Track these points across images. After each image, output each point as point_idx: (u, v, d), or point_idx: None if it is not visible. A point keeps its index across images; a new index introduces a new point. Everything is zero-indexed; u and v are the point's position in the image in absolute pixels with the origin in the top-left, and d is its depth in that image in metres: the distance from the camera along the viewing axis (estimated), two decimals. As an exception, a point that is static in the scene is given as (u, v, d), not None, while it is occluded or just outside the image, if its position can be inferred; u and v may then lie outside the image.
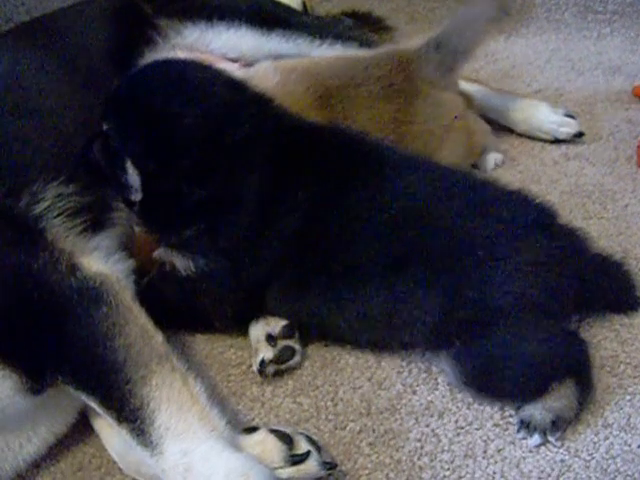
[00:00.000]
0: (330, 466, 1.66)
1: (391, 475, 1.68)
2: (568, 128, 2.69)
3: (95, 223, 1.93)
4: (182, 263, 1.90)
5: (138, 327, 1.67)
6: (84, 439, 1.81)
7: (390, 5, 3.67)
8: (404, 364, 1.91)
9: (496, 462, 1.69)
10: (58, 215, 1.85)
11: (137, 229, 2.07)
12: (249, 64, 2.55)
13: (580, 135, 2.69)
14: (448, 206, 1.85)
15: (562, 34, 3.43)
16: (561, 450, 1.70)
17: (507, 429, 1.75)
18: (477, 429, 1.76)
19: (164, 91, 1.86)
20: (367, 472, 1.69)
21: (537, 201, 1.91)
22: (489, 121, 2.67)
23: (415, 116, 2.31)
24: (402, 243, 1.82)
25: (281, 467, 1.63)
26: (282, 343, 1.91)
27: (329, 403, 1.84)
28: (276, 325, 1.93)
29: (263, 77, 2.24)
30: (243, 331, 1.98)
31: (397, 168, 1.92)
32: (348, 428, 1.78)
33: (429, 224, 1.83)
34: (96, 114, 1.96)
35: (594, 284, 1.88)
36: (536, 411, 1.71)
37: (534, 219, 1.85)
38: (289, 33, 2.63)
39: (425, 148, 2.27)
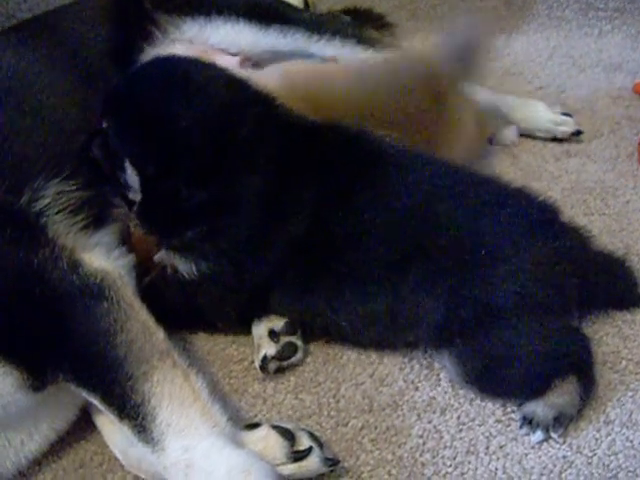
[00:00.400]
0: (332, 462, 1.66)
1: (393, 471, 1.68)
2: (566, 127, 2.69)
3: (96, 219, 1.92)
4: (184, 266, 1.89)
5: (139, 323, 1.67)
6: (86, 436, 1.81)
7: (391, 2, 3.66)
8: (406, 360, 1.91)
9: (498, 458, 1.69)
10: (59, 211, 1.85)
11: (133, 228, 2.06)
12: (249, 58, 2.55)
13: (578, 133, 2.69)
14: (451, 204, 1.84)
15: (563, 31, 3.42)
16: (563, 446, 1.70)
17: (509, 425, 1.75)
18: (479, 425, 1.76)
19: (163, 91, 1.84)
20: (369, 468, 1.69)
21: (540, 199, 1.91)
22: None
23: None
24: (405, 242, 1.81)
25: (283, 463, 1.63)
26: (285, 339, 1.90)
27: (331, 399, 1.84)
28: (279, 321, 1.93)
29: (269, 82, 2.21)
30: (245, 328, 1.98)
31: (400, 167, 1.91)
32: (350, 424, 1.78)
33: (432, 223, 1.82)
34: (97, 110, 1.95)
35: (596, 281, 1.88)
36: (538, 408, 1.71)
37: (537, 217, 1.84)
38: (287, 28, 2.62)
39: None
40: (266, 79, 2.10)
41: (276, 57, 2.57)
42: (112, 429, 1.73)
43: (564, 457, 1.68)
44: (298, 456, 1.64)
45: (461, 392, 1.83)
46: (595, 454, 1.68)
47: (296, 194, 1.87)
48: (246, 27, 2.60)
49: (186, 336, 2.00)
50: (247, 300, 1.92)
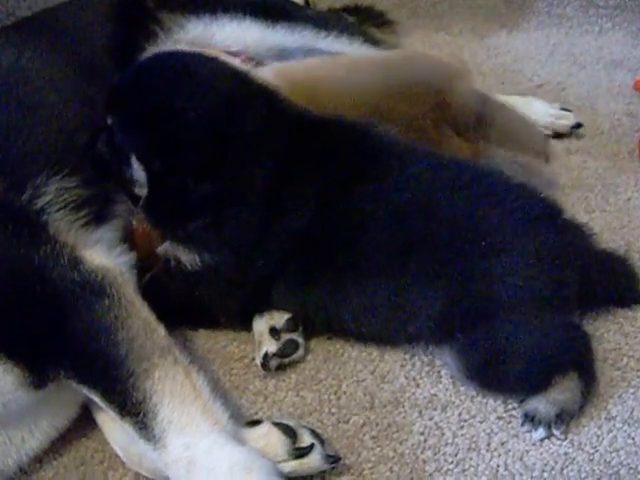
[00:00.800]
0: (333, 459, 1.66)
1: (394, 468, 1.68)
2: (565, 120, 2.70)
3: (97, 216, 1.92)
4: (188, 257, 1.89)
5: (140, 320, 1.67)
6: (87, 433, 1.81)
7: (392, 0, 3.66)
8: (407, 357, 1.91)
9: (500, 455, 1.69)
10: (60, 208, 1.85)
11: (136, 224, 2.06)
12: (251, 58, 2.54)
13: (579, 126, 2.69)
14: (453, 197, 1.84)
15: (564, 28, 3.42)
16: (564, 443, 1.70)
17: (510, 422, 1.75)
18: (480, 422, 1.76)
19: (168, 85, 1.85)
20: (370, 465, 1.69)
21: (543, 195, 1.91)
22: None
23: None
24: (407, 234, 1.82)
25: (284, 460, 1.63)
26: (286, 336, 1.90)
27: (332, 396, 1.84)
28: (280, 318, 1.93)
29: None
30: (246, 325, 1.98)
31: (402, 159, 1.92)
32: (351, 421, 1.78)
33: (434, 215, 1.82)
34: (98, 108, 1.95)
35: (597, 278, 1.88)
36: (540, 404, 1.71)
37: (539, 212, 1.84)
38: (294, 25, 2.62)
39: None
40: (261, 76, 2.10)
41: (283, 54, 2.57)
42: (113, 426, 1.73)
43: (565, 454, 1.68)
44: (299, 453, 1.64)
45: (462, 389, 1.83)
46: (597, 451, 1.68)
47: (299, 187, 1.88)
48: (253, 24, 2.60)
49: (187, 333, 2.00)
50: (250, 293, 1.92)
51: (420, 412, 1.79)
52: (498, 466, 1.66)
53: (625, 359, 1.87)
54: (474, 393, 1.81)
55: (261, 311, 1.96)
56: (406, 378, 1.86)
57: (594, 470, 1.64)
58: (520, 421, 1.73)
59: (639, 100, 2.87)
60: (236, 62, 2.43)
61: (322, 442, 1.66)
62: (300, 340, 1.92)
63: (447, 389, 1.83)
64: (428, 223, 1.82)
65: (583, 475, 1.63)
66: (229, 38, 2.59)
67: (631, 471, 1.64)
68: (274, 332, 1.91)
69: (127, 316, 1.65)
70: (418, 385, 1.85)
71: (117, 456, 1.74)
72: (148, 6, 2.56)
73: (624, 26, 3.40)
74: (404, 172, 1.89)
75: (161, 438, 1.56)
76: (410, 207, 1.84)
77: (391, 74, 2.30)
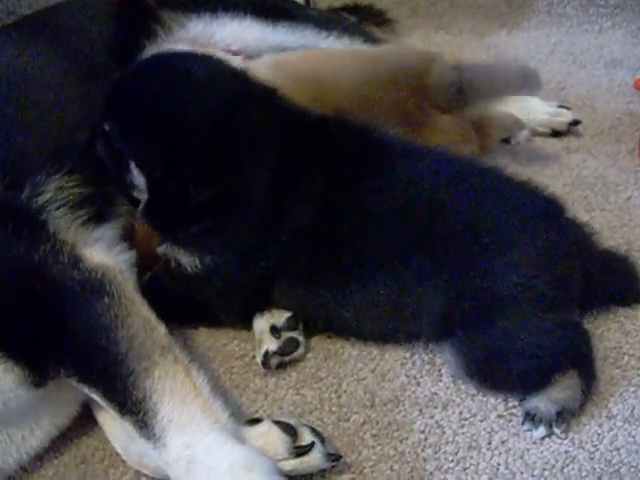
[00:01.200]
0: (334, 458, 1.65)
1: (395, 467, 1.67)
2: (562, 118, 2.70)
3: (98, 214, 1.92)
4: (188, 260, 1.89)
5: (140, 318, 1.67)
6: (87, 431, 1.80)
7: (392, -2, 3.67)
8: (408, 355, 1.91)
9: (500, 454, 1.68)
10: (60, 207, 1.85)
11: (137, 224, 2.06)
12: (251, 57, 2.54)
13: (576, 123, 2.69)
14: (454, 193, 1.85)
15: (564, 27, 3.43)
16: (565, 442, 1.70)
17: (511, 420, 1.75)
18: (481, 421, 1.75)
19: (165, 90, 1.84)
20: (371, 464, 1.68)
21: (545, 193, 1.91)
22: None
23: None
24: (409, 231, 1.82)
25: (285, 459, 1.62)
26: (286, 335, 1.90)
27: (333, 395, 1.84)
28: (280, 317, 1.93)
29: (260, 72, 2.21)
30: (246, 323, 1.98)
31: (404, 157, 1.92)
32: (352, 420, 1.78)
33: (436, 212, 1.83)
34: (98, 106, 1.95)
35: (598, 278, 1.88)
36: (541, 403, 1.71)
37: (542, 210, 1.85)
38: (295, 24, 2.62)
39: None
40: (257, 70, 2.11)
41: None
42: (113, 425, 1.72)
43: (566, 452, 1.67)
44: (300, 451, 1.63)
45: (463, 387, 1.82)
46: (597, 449, 1.68)
47: (301, 186, 1.87)
48: (254, 23, 2.60)
49: (187, 332, 1.99)
50: (251, 293, 1.92)
51: (421, 410, 1.79)
52: (499, 465, 1.66)
53: (626, 357, 1.86)
54: (475, 392, 1.81)
55: (262, 310, 1.96)
56: (407, 376, 1.86)
57: (595, 469, 1.64)
58: (521, 420, 1.73)
59: (639, 99, 2.87)
60: (236, 61, 2.44)
61: (322, 440, 1.66)
62: (300, 338, 1.92)
63: (448, 387, 1.83)
64: (430, 221, 1.82)
65: (584, 474, 1.63)
66: (230, 37, 2.59)
67: (632, 469, 1.63)
68: (275, 330, 1.91)
69: (127, 314, 1.65)
70: (419, 383, 1.85)
71: (118, 454, 1.74)
72: (149, 5, 2.56)
73: (624, 25, 3.41)
74: (406, 170, 1.89)
75: (161, 437, 1.56)
76: (412, 205, 1.84)
77: (377, 67, 2.34)
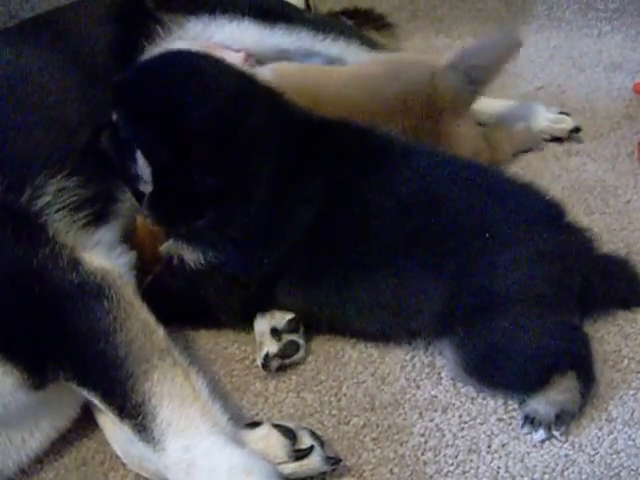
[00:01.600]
0: (334, 461, 1.65)
1: (395, 470, 1.67)
2: (564, 124, 2.70)
3: (97, 217, 1.93)
4: (191, 256, 1.89)
5: (140, 322, 1.67)
6: (87, 434, 1.80)
7: (392, 3, 3.67)
8: (407, 358, 1.91)
9: (500, 457, 1.68)
10: (60, 209, 1.85)
11: (139, 222, 2.06)
12: (252, 55, 2.55)
13: (577, 130, 2.69)
14: (456, 191, 1.86)
15: (563, 32, 3.43)
16: (565, 445, 1.69)
17: (511, 424, 1.75)
18: (481, 424, 1.75)
19: (175, 80, 1.86)
20: (371, 467, 1.68)
21: (546, 196, 1.92)
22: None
23: None
24: (411, 229, 1.83)
25: (284, 462, 1.62)
26: (287, 337, 1.90)
27: (332, 398, 1.84)
28: (281, 319, 1.93)
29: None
30: (247, 326, 1.98)
31: (405, 156, 1.94)
32: (352, 423, 1.77)
33: (437, 210, 1.84)
34: (99, 107, 1.95)
35: (598, 281, 1.88)
36: (540, 406, 1.71)
37: (543, 211, 1.86)
38: (292, 27, 2.63)
39: None
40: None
41: (281, 56, 2.58)
42: (113, 427, 1.72)
43: (566, 455, 1.67)
44: (299, 455, 1.63)
45: (463, 390, 1.82)
46: (597, 452, 1.67)
47: (304, 184, 1.88)
48: (251, 25, 2.61)
49: (188, 334, 2.00)
50: (253, 291, 1.92)
51: (420, 414, 1.78)
52: (499, 468, 1.66)
53: (625, 361, 1.86)
54: (474, 395, 1.81)
55: (262, 311, 1.96)
56: (406, 380, 1.86)
57: (595, 472, 1.64)
58: (520, 423, 1.73)
59: (638, 103, 2.87)
60: (238, 58, 2.45)
61: (322, 444, 1.66)
62: (301, 341, 1.92)
63: (447, 391, 1.83)
64: (431, 218, 1.84)
65: (584, 477, 1.63)
66: (228, 38, 2.59)
67: (632, 473, 1.63)
68: (275, 333, 1.91)
69: (126, 318, 1.65)
70: (418, 387, 1.85)
71: (118, 457, 1.74)
72: (148, 6, 2.57)
73: (623, 29, 3.41)
74: (407, 168, 1.91)
75: (160, 440, 1.55)
76: (413, 202, 1.86)
77: (381, 87, 2.32)
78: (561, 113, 2.74)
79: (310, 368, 1.91)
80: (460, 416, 1.77)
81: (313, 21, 2.72)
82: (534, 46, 3.33)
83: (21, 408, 1.65)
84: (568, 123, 2.70)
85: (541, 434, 1.70)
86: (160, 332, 1.68)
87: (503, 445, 1.71)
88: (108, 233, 1.95)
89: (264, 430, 1.67)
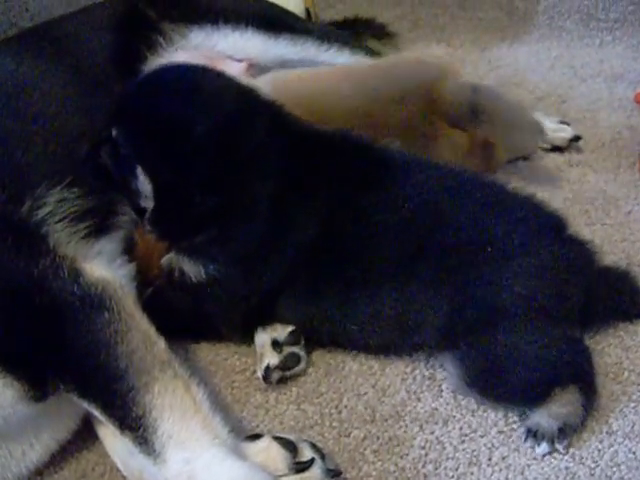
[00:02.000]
0: (334, 473, 1.65)
1: (396, 483, 1.67)
2: (564, 133, 2.70)
3: (98, 228, 1.92)
4: (192, 269, 1.89)
5: (140, 333, 1.66)
6: (87, 446, 1.80)
7: (393, 12, 3.67)
8: (408, 371, 1.90)
9: (501, 470, 1.68)
10: (60, 220, 1.85)
11: (137, 236, 2.06)
12: (254, 65, 2.55)
13: (577, 139, 2.69)
14: (458, 205, 1.86)
15: (564, 41, 3.44)
16: (566, 457, 1.69)
17: (511, 436, 1.75)
18: (481, 436, 1.75)
19: (176, 98, 1.85)
20: (371, 479, 1.68)
21: (548, 209, 1.92)
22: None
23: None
24: (413, 243, 1.83)
25: (285, 475, 1.63)
26: (288, 349, 1.90)
27: (333, 410, 1.83)
28: (282, 331, 1.93)
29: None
30: (247, 338, 1.98)
31: (407, 169, 1.94)
32: (352, 435, 1.77)
33: (439, 224, 1.84)
34: (99, 119, 1.96)
35: (599, 294, 1.89)
36: (542, 419, 1.70)
37: (545, 224, 1.86)
38: (296, 37, 2.63)
39: None
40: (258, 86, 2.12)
41: (285, 66, 2.58)
42: (114, 439, 1.72)
43: (566, 468, 1.67)
44: (300, 467, 1.63)
45: (463, 403, 1.82)
46: (598, 465, 1.67)
47: (306, 199, 1.89)
48: (255, 35, 2.61)
49: (188, 346, 2.00)
50: (254, 305, 1.92)
51: (421, 426, 1.78)
52: (499, 480, 1.66)
53: (626, 373, 1.86)
54: (475, 407, 1.81)
55: (263, 323, 1.96)
56: (407, 392, 1.86)
57: (595, 485, 1.64)
58: (523, 437, 1.72)
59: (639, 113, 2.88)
60: (240, 68, 2.45)
61: (323, 456, 1.66)
62: (302, 353, 1.92)
63: (448, 403, 1.83)
64: (433, 232, 1.83)
65: (584, 490, 1.63)
66: (231, 48, 2.59)
67: (632, 486, 1.63)
68: (276, 345, 1.91)
69: (127, 330, 1.64)
70: (419, 399, 1.84)
71: (118, 469, 1.73)
72: (150, 16, 2.57)
73: (624, 39, 3.41)
74: (409, 182, 1.90)
75: (161, 453, 1.55)
76: (415, 217, 1.85)
77: (381, 81, 2.34)
78: (561, 123, 2.75)
79: (311, 380, 1.91)
80: (461, 428, 1.77)
81: (317, 31, 2.72)
82: (535, 56, 3.34)
83: (21, 420, 1.64)
84: (567, 132, 2.71)
85: (544, 447, 1.69)
86: (161, 344, 1.67)
87: (503, 458, 1.70)
88: (109, 244, 1.95)
89: (265, 442, 1.67)
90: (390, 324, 1.85)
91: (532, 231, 1.83)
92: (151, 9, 2.56)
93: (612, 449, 1.70)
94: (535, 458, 1.70)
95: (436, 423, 1.79)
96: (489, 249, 1.78)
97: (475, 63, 3.28)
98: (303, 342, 1.93)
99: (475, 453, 1.72)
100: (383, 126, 2.19)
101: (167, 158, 1.82)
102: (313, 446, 1.67)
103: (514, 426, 1.77)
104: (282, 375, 1.89)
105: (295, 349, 1.91)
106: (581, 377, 1.75)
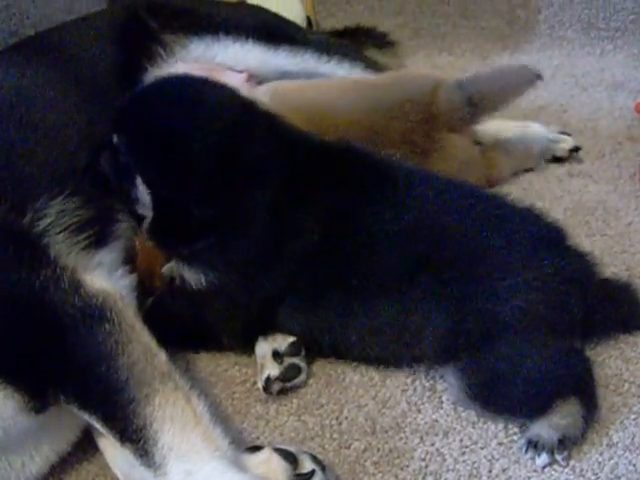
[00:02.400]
0: (334, 485, 1.65)
1: (396, 494, 1.67)
2: (564, 144, 2.71)
3: (98, 238, 1.92)
4: (192, 277, 1.89)
5: (141, 345, 1.66)
6: (88, 457, 1.80)
7: (395, 20, 3.68)
8: (409, 382, 1.90)
9: (501, 482, 1.68)
10: (61, 231, 1.85)
11: (138, 245, 2.06)
12: (254, 75, 2.56)
13: (577, 150, 2.70)
14: (458, 217, 1.86)
15: (565, 50, 3.45)
16: (566, 470, 1.69)
17: (512, 448, 1.74)
18: (482, 448, 1.75)
19: (177, 110, 1.86)
20: (372, 491, 1.68)
21: (548, 220, 1.92)
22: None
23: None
24: (413, 255, 1.83)
25: (285, 486, 1.62)
26: (288, 361, 1.90)
27: (334, 422, 1.83)
28: (283, 342, 1.93)
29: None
30: (248, 349, 1.98)
31: (407, 181, 1.94)
32: (353, 447, 1.77)
33: (439, 235, 1.84)
34: (100, 129, 1.96)
35: (600, 305, 1.88)
36: (542, 430, 1.70)
37: (545, 236, 1.86)
38: (296, 49, 2.64)
39: None
40: (258, 96, 2.13)
41: (285, 77, 2.58)
42: (114, 451, 1.72)
43: (567, 480, 1.67)
44: (300, 479, 1.63)
45: (463, 414, 1.82)
46: (598, 478, 1.67)
47: (306, 209, 1.89)
48: (255, 46, 2.62)
49: (189, 357, 2.00)
50: (255, 314, 1.92)
51: (421, 438, 1.78)
52: (499, 493, 1.66)
53: (626, 385, 1.86)
54: (475, 419, 1.81)
55: (264, 334, 1.96)
56: (407, 403, 1.86)
57: (595, 497, 1.64)
58: (523, 448, 1.72)
59: (640, 123, 2.89)
60: (240, 79, 2.45)
61: (323, 468, 1.66)
62: (302, 364, 1.92)
63: (448, 415, 1.83)
64: (434, 244, 1.83)
65: (585, 502, 1.63)
66: (231, 60, 2.60)
67: (633, 498, 1.63)
68: (277, 356, 1.91)
69: (127, 341, 1.64)
70: (419, 411, 1.84)
71: (118, 481, 1.74)
72: (151, 26, 2.57)
73: (625, 48, 3.42)
74: (410, 194, 1.91)
75: (162, 465, 1.55)
76: (416, 228, 1.85)
77: (381, 96, 2.36)
78: (562, 133, 2.75)
79: (311, 391, 1.91)
80: (461, 440, 1.77)
81: (317, 43, 2.72)
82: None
83: (21, 432, 1.64)
84: (568, 142, 2.71)
85: (544, 459, 1.69)
86: (161, 356, 1.67)
87: (504, 470, 1.70)
88: (109, 255, 1.95)
89: (265, 454, 1.67)
90: (390, 336, 1.85)
91: (531, 243, 1.83)
92: (152, 19, 2.57)
93: (612, 461, 1.70)
94: (535, 470, 1.69)
95: (436, 435, 1.78)
96: (489, 263, 1.78)
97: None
98: (304, 353, 1.93)
99: (476, 465, 1.71)
100: (383, 138, 2.20)
101: (165, 172, 1.84)
102: (314, 458, 1.67)
103: (514, 438, 1.76)
104: (283, 386, 1.89)
105: (296, 360, 1.91)
106: (581, 389, 1.74)
